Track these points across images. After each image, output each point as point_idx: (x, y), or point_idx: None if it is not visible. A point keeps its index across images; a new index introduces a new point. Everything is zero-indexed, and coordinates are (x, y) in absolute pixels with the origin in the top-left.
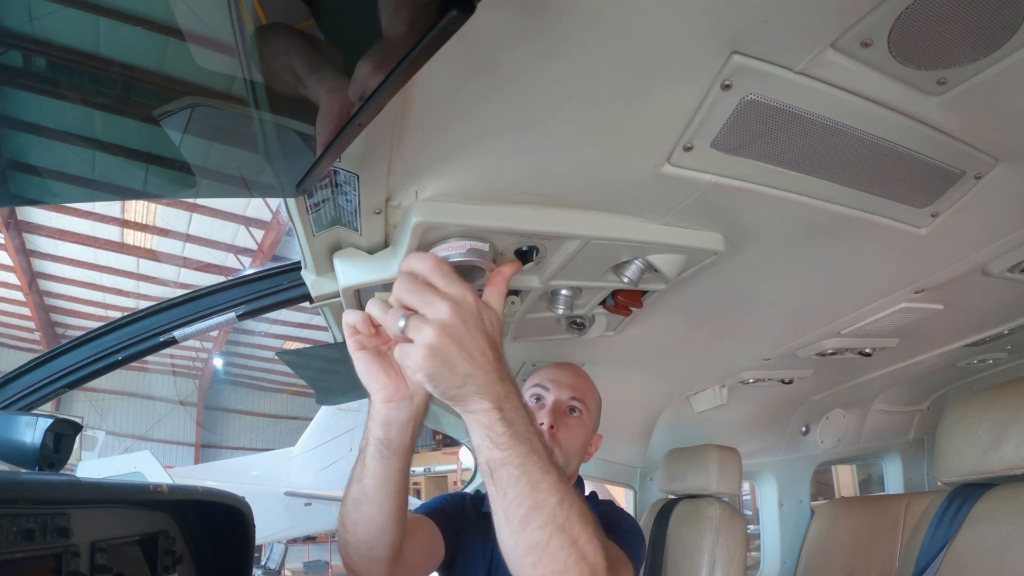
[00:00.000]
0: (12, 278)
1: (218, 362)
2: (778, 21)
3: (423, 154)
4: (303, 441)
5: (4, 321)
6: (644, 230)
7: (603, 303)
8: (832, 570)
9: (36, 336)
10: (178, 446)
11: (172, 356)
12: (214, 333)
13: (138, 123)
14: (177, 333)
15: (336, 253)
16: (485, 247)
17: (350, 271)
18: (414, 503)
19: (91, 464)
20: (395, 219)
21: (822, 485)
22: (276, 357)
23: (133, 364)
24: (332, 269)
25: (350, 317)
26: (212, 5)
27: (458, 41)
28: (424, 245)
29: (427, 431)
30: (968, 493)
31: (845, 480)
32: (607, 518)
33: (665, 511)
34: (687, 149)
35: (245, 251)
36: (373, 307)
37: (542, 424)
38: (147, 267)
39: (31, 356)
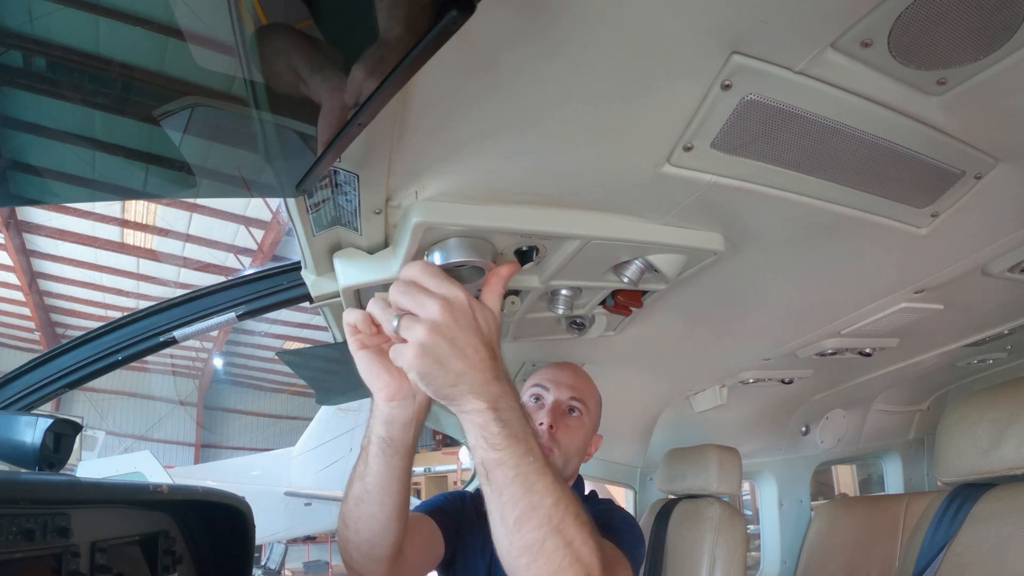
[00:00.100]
0: (12, 278)
1: (218, 362)
2: (778, 21)
3: (423, 154)
4: (303, 441)
5: (4, 321)
6: (644, 230)
7: (603, 303)
8: (832, 570)
9: (36, 336)
10: (178, 446)
11: (172, 356)
12: (214, 333)
13: (138, 123)
14: (177, 333)
15: (336, 253)
16: (485, 247)
17: (350, 271)
18: (413, 503)
19: (91, 464)
20: (395, 219)
21: (822, 485)
22: (276, 357)
23: (133, 364)
24: (332, 269)
25: (351, 316)
26: (212, 5)
27: (458, 41)
28: (424, 245)
29: (427, 431)
30: (968, 493)
31: (845, 480)
32: (605, 516)
33: (665, 511)
34: (687, 149)
35: (245, 251)
36: (374, 306)
37: (541, 424)
38: (147, 267)
39: (31, 356)
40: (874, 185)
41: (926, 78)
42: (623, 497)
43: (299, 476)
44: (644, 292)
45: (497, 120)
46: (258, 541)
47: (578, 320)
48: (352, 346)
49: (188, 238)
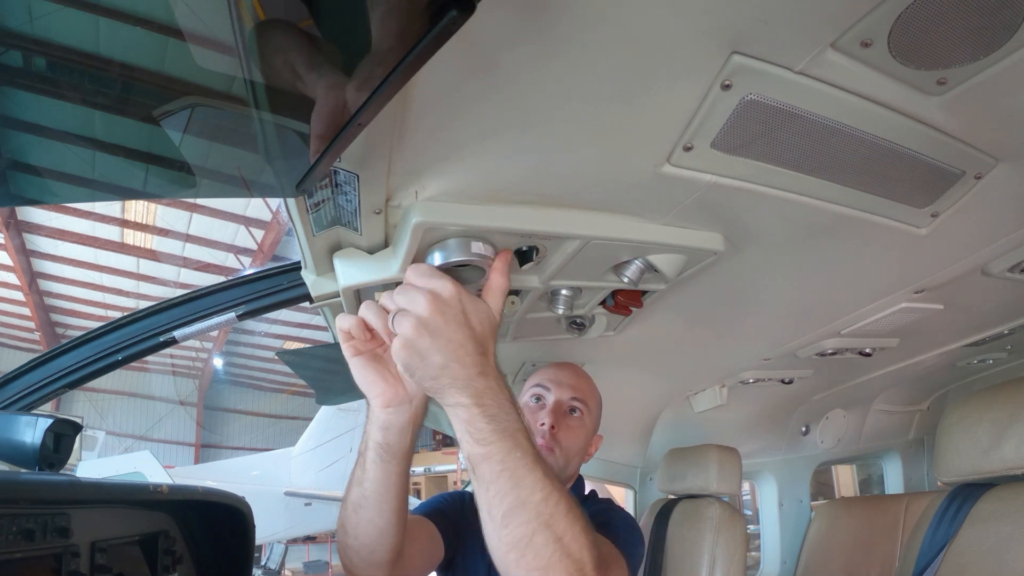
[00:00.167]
0: (12, 278)
1: (218, 362)
2: (778, 21)
3: (423, 154)
4: (303, 441)
5: (4, 321)
6: (644, 230)
7: (603, 303)
8: (832, 570)
9: (36, 336)
10: (178, 446)
11: (172, 356)
12: (214, 333)
13: (138, 123)
14: (177, 333)
15: (336, 253)
16: (485, 247)
17: (350, 271)
18: (413, 503)
19: (91, 464)
20: (395, 219)
21: (822, 485)
22: (276, 357)
23: (133, 364)
24: (332, 269)
25: (344, 322)
26: (212, 5)
27: (458, 41)
28: (424, 245)
29: (427, 431)
30: (968, 493)
31: (845, 480)
32: (603, 515)
33: (665, 511)
34: (687, 149)
35: (245, 251)
36: (367, 311)
37: (543, 424)
38: (147, 267)
39: (31, 356)
40: (874, 185)
41: (926, 78)
42: (623, 497)
43: (299, 476)
44: (644, 292)
45: (497, 120)
46: (258, 541)
47: (578, 320)
48: (346, 352)
49: (188, 238)
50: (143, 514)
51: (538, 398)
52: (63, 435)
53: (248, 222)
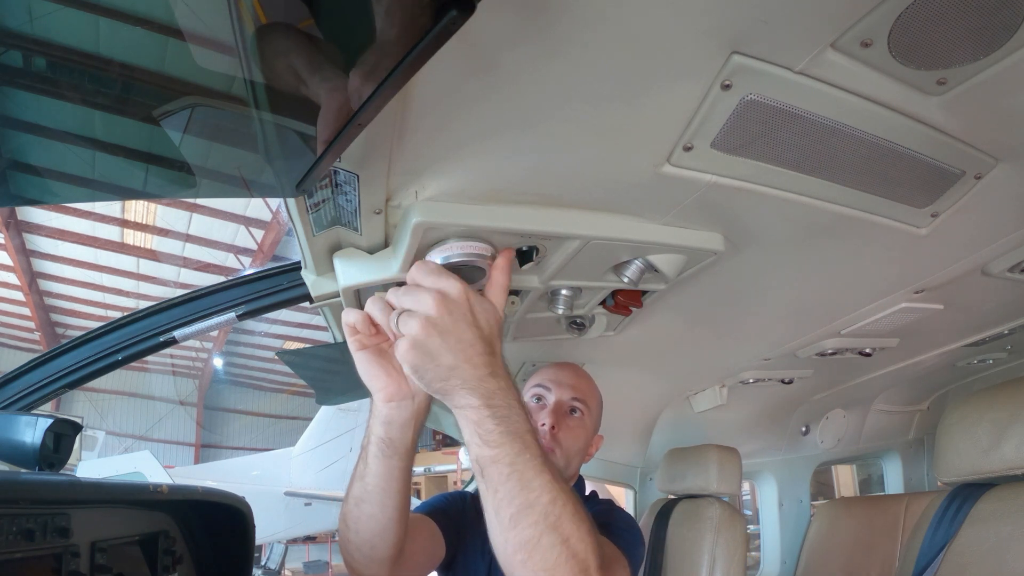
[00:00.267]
0: (12, 278)
1: (218, 362)
2: (778, 21)
3: (423, 154)
4: (303, 441)
5: (4, 321)
6: (644, 230)
7: (603, 303)
8: (832, 570)
9: (36, 336)
10: (178, 446)
11: (172, 356)
12: (214, 333)
13: (138, 123)
14: (177, 333)
15: (336, 253)
16: (485, 247)
17: (350, 271)
18: (414, 503)
19: (91, 464)
20: (395, 219)
21: (822, 485)
22: (276, 357)
23: (133, 364)
24: (332, 269)
25: (350, 317)
26: (212, 5)
27: (458, 41)
28: (424, 245)
29: (427, 431)
30: (968, 493)
31: (845, 480)
32: (604, 516)
33: (665, 511)
34: (687, 149)
35: (245, 251)
36: (372, 306)
37: (543, 425)
38: (147, 267)
39: (31, 356)
40: (874, 185)
41: (926, 78)
42: (623, 497)
43: (299, 476)
44: (644, 292)
45: (497, 120)
46: (258, 541)
47: (578, 320)
48: (352, 346)
49: (188, 238)
50: (143, 514)
51: (539, 398)
52: (63, 435)
53: (248, 222)
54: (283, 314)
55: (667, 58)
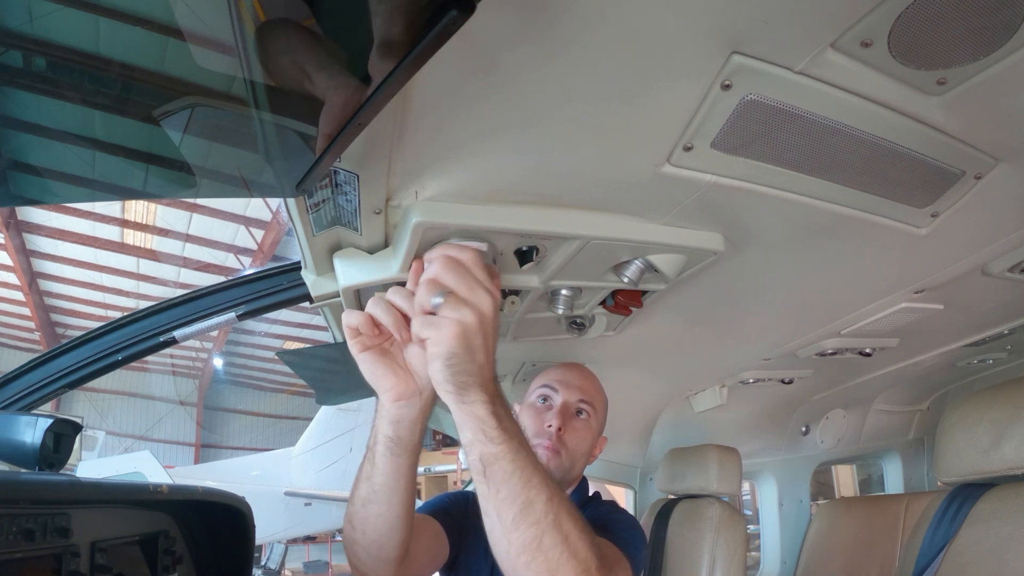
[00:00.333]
0: (12, 278)
1: (218, 362)
2: (778, 21)
3: (423, 154)
4: (303, 441)
5: (4, 321)
6: (644, 230)
7: (603, 303)
8: (832, 570)
9: (36, 336)
10: (178, 446)
11: (172, 356)
12: (214, 333)
13: (138, 123)
14: (177, 333)
15: (336, 253)
16: (484, 247)
17: (350, 271)
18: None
19: (91, 464)
20: (395, 219)
21: (822, 485)
22: (276, 357)
23: (133, 364)
24: (332, 269)
25: (351, 319)
26: (212, 5)
27: (458, 41)
28: (424, 245)
29: (427, 431)
30: (968, 493)
31: (845, 480)
32: (608, 518)
33: (665, 511)
34: (687, 149)
35: (245, 251)
36: (375, 307)
37: (550, 426)
38: (147, 267)
39: (31, 356)
40: (874, 185)
41: (926, 78)
42: (623, 497)
43: (299, 476)
44: (644, 292)
45: (497, 120)
46: (258, 541)
47: (578, 320)
48: (353, 349)
49: (188, 238)
50: (143, 514)
51: (545, 398)
52: (63, 435)
53: (248, 222)
54: (283, 314)
55: (667, 58)
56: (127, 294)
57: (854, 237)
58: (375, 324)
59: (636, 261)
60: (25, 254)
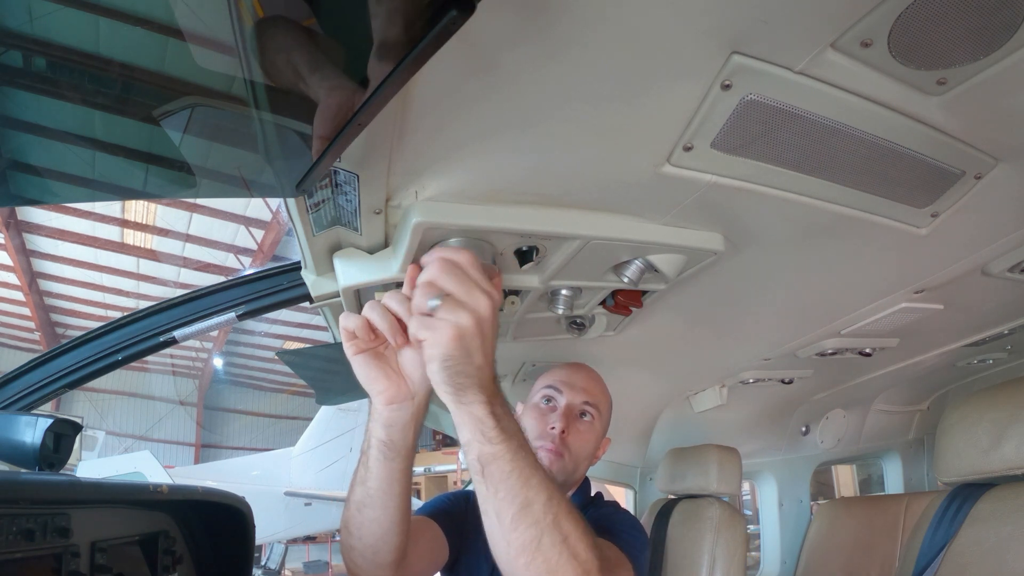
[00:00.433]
0: (12, 278)
1: (218, 362)
2: (778, 21)
3: (423, 154)
4: (303, 441)
5: (4, 321)
6: (644, 230)
7: (603, 303)
8: (832, 570)
9: (36, 336)
10: (178, 446)
11: (172, 356)
12: (214, 333)
13: (138, 123)
14: (177, 333)
15: (336, 253)
16: (485, 247)
17: (350, 271)
18: (415, 503)
19: (91, 464)
20: (395, 219)
21: (822, 485)
22: (276, 357)
23: (133, 364)
24: (332, 269)
25: (348, 322)
26: (212, 5)
27: (458, 41)
28: (424, 245)
29: (427, 431)
30: (968, 493)
31: (845, 480)
32: (610, 519)
33: (665, 511)
34: (687, 149)
35: (245, 251)
36: (371, 311)
37: (553, 428)
38: (147, 267)
39: (31, 356)
40: (874, 185)
41: (926, 78)
42: (623, 497)
43: (299, 476)
44: (644, 292)
45: (497, 120)
46: (258, 541)
47: (578, 320)
48: (348, 351)
49: (188, 238)
50: (143, 514)
51: (549, 399)
52: (63, 435)
53: (248, 222)
54: (283, 314)
55: (667, 58)
56: (127, 294)
57: (854, 237)
58: (371, 328)
59: (636, 261)
60: (25, 254)
